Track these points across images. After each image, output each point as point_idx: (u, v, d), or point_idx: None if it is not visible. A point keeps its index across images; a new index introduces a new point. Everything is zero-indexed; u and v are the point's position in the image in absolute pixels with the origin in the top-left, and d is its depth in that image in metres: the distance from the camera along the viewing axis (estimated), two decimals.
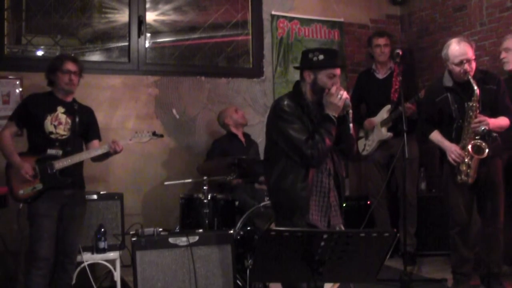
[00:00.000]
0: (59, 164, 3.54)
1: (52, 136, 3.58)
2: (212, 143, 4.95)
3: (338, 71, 2.98)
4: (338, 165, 3.06)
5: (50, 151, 3.56)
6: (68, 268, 3.68)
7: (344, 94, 2.92)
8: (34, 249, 3.49)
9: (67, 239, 3.63)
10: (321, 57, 2.94)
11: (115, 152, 3.70)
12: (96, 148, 3.74)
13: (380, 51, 5.10)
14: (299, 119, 2.92)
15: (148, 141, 3.91)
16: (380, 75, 5.16)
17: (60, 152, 3.57)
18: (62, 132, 3.61)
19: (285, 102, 2.96)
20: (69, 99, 3.71)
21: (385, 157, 5.00)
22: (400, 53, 4.69)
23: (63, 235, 3.61)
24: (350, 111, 2.96)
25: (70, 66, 3.64)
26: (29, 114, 3.60)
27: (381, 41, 5.12)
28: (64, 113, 3.64)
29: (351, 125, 2.97)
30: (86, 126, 3.78)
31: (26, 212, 3.59)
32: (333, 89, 2.91)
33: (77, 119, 3.67)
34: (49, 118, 3.58)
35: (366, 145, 5.11)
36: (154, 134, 3.87)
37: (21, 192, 3.52)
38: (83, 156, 3.68)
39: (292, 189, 2.90)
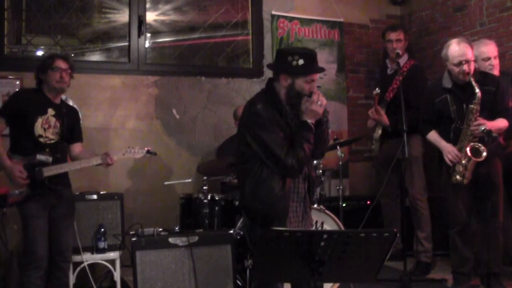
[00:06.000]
0: (48, 172, 3.44)
1: (41, 140, 3.48)
2: (226, 140, 4.92)
3: (316, 75, 2.84)
4: (310, 167, 2.96)
5: (40, 157, 3.44)
6: (63, 267, 3.65)
7: (324, 101, 2.79)
8: (31, 250, 3.44)
9: (59, 237, 3.59)
10: (301, 61, 2.75)
11: (107, 165, 3.64)
12: (88, 159, 3.64)
13: (392, 46, 4.79)
14: (277, 125, 2.76)
15: (142, 157, 3.86)
16: (389, 70, 4.93)
17: (50, 158, 3.47)
18: (51, 136, 3.52)
19: (261, 106, 2.77)
20: (58, 100, 3.63)
21: (392, 156, 4.66)
22: (400, 53, 4.68)
23: (55, 234, 3.57)
24: (328, 116, 2.87)
25: (61, 63, 3.55)
26: (20, 112, 3.47)
27: (393, 35, 4.80)
28: (54, 116, 3.55)
29: (330, 130, 2.91)
30: (71, 129, 3.69)
31: (18, 214, 3.51)
32: (315, 97, 2.76)
33: (65, 123, 3.58)
34: (39, 120, 3.48)
35: (374, 142, 4.91)
36: (148, 152, 3.80)
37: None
38: (74, 166, 3.59)
39: (270, 198, 2.75)
